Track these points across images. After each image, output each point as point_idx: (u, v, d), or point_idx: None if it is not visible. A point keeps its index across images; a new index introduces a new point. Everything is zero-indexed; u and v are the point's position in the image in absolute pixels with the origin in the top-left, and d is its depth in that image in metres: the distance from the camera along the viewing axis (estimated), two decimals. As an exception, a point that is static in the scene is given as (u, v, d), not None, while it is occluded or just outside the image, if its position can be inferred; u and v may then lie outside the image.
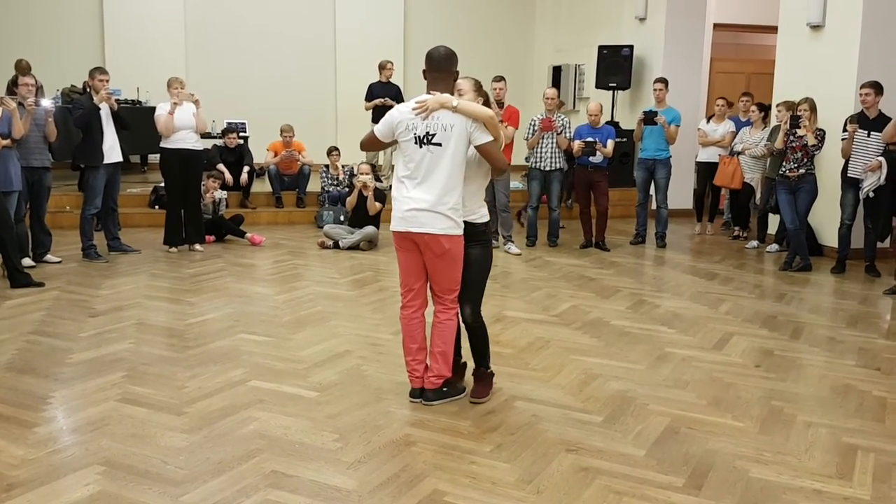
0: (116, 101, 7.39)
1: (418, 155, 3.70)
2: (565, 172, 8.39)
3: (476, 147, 3.68)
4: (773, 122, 8.39)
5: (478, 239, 3.86)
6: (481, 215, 3.87)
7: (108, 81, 7.15)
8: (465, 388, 4.03)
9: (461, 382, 4.07)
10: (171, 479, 3.07)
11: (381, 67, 10.26)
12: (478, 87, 3.86)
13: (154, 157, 10.22)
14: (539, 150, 8.10)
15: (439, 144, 3.66)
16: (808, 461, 3.38)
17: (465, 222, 3.78)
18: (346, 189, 9.34)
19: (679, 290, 6.57)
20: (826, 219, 7.88)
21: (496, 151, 3.70)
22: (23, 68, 8.22)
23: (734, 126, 9.05)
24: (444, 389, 3.95)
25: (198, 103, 7.48)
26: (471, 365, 4.11)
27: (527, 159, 8.33)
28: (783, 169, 7.40)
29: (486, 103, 3.87)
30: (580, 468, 3.26)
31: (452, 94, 3.77)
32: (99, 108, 7.04)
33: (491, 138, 3.66)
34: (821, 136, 7.20)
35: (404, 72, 12.27)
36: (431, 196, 3.67)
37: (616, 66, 10.92)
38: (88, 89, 7.48)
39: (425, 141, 3.68)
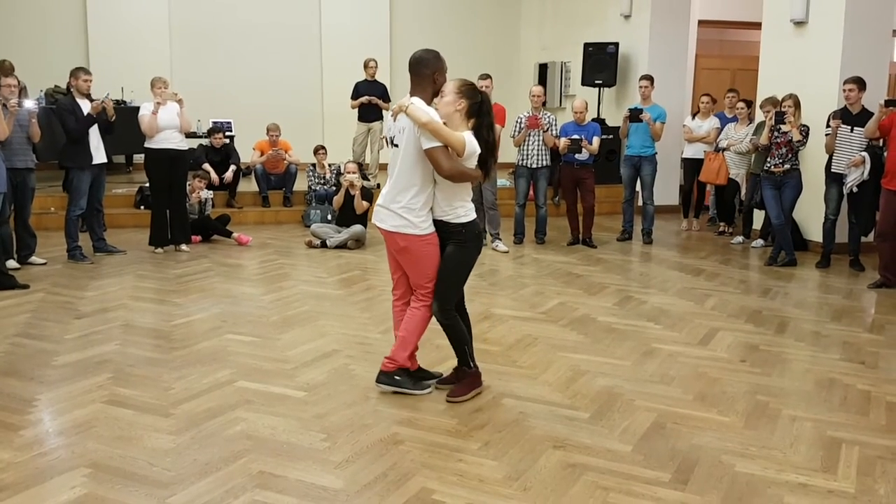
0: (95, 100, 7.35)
1: (391, 155, 3.91)
2: (552, 169, 8.41)
3: (424, 151, 3.70)
4: (759, 118, 8.44)
5: (453, 238, 3.87)
6: (458, 216, 3.84)
7: (91, 81, 7.12)
8: (430, 388, 4.03)
9: (427, 381, 4.07)
10: (158, 481, 3.06)
11: (365, 66, 10.26)
12: (461, 89, 3.77)
13: (139, 158, 10.20)
14: (526, 147, 8.11)
15: (397, 146, 3.84)
16: (793, 455, 3.41)
17: (440, 221, 3.85)
18: (333, 188, 9.33)
19: (665, 287, 6.60)
20: (811, 214, 7.93)
21: (438, 158, 3.64)
22: (5, 69, 8.17)
23: (719, 122, 9.10)
24: (397, 378, 4.00)
25: (182, 103, 7.44)
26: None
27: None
28: (768, 165, 7.45)
29: (482, 104, 3.80)
30: (567, 464, 3.27)
31: (436, 96, 3.81)
32: (94, 120, 7.01)
33: (434, 144, 3.64)
34: (805, 131, 7.25)
35: (391, 70, 12.26)
36: (389, 194, 3.86)
37: (602, 63, 10.94)
38: (71, 89, 7.43)
39: (392, 142, 3.88)
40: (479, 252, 3.97)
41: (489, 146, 3.82)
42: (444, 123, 3.72)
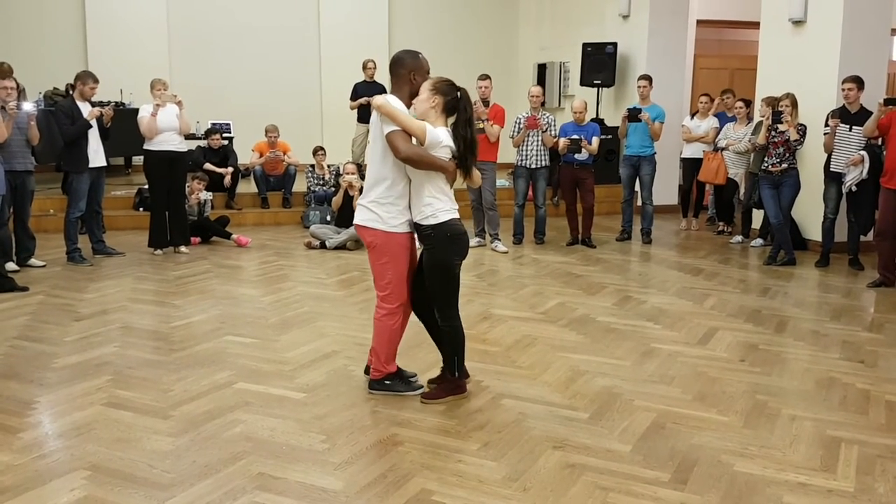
0: (100, 103, 7.35)
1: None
2: (551, 170, 8.41)
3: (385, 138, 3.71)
4: (757, 117, 8.44)
5: (424, 243, 3.83)
6: (425, 216, 3.75)
7: (96, 90, 7.14)
8: (423, 387, 4.04)
9: (418, 382, 4.07)
10: (158, 483, 3.06)
11: (363, 67, 10.28)
12: (435, 86, 3.75)
13: (138, 160, 10.20)
14: (525, 148, 8.11)
15: (370, 142, 3.90)
16: (793, 454, 3.41)
17: (415, 224, 3.83)
18: (332, 189, 9.34)
19: (664, 286, 6.60)
20: (810, 213, 7.94)
21: (395, 141, 3.63)
22: (4, 71, 8.15)
23: (718, 122, 9.11)
24: (388, 383, 4.02)
25: (181, 104, 7.44)
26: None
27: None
28: (766, 164, 7.45)
29: (458, 100, 3.76)
30: (567, 465, 3.27)
31: (415, 95, 3.80)
32: (91, 126, 7.01)
33: (391, 128, 3.65)
34: (802, 130, 7.25)
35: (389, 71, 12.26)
36: (364, 190, 3.90)
37: (600, 63, 10.94)
38: (71, 91, 7.42)
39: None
40: (456, 255, 3.82)
41: (467, 143, 3.74)
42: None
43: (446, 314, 3.89)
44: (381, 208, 3.78)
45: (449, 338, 3.94)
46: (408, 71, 3.82)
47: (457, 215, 3.83)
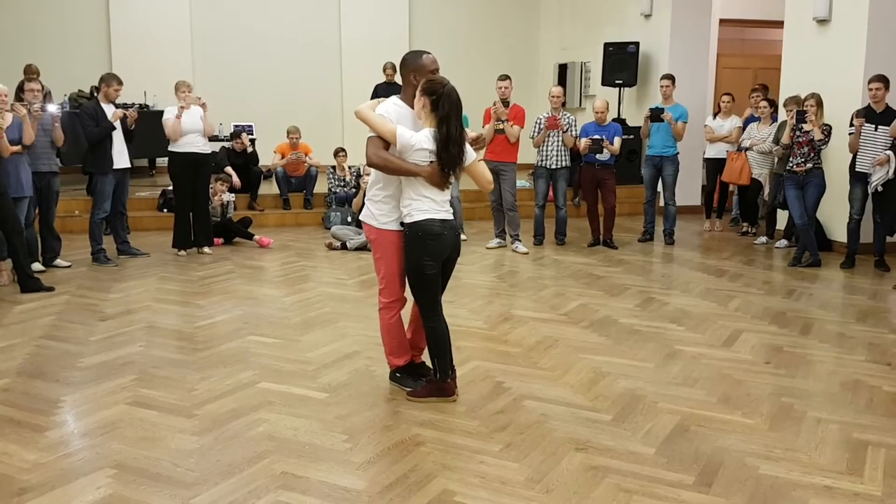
0: (124, 105, 7.42)
1: None
2: (572, 170, 8.38)
3: None
4: (781, 117, 8.36)
5: (406, 239, 3.84)
6: (403, 215, 3.80)
7: (120, 92, 7.21)
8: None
9: (421, 381, 4.06)
10: (182, 482, 3.08)
11: (383, 70, 10.30)
12: (423, 86, 3.70)
13: (161, 161, 10.29)
14: (545, 148, 8.09)
15: None
16: (819, 458, 3.37)
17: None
18: (353, 190, 9.38)
19: (688, 288, 6.55)
20: (835, 214, 7.85)
21: (367, 145, 3.75)
22: (32, 72, 8.28)
23: (740, 122, 9.03)
24: (398, 375, 4.13)
25: (205, 107, 7.50)
26: None
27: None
28: (790, 164, 7.38)
29: (439, 98, 3.68)
30: (590, 467, 3.25)
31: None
32: (115, 127, 7.08)
33: (370, 135, 3.75)
34: (827, 130, 7.18)
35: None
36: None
37: (622, 63, 10.90)
38: (96, 94, 7.50)
39: None
40: (426, 255, 3.76)
41: (441, 142, 3.68)
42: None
43: (425, 314, 3.92)
44: (374, 206, 3.90)
45: (428, 338, 3.96)
46: (408, 71, 3.86)
47: (435, 216, 3.76)
